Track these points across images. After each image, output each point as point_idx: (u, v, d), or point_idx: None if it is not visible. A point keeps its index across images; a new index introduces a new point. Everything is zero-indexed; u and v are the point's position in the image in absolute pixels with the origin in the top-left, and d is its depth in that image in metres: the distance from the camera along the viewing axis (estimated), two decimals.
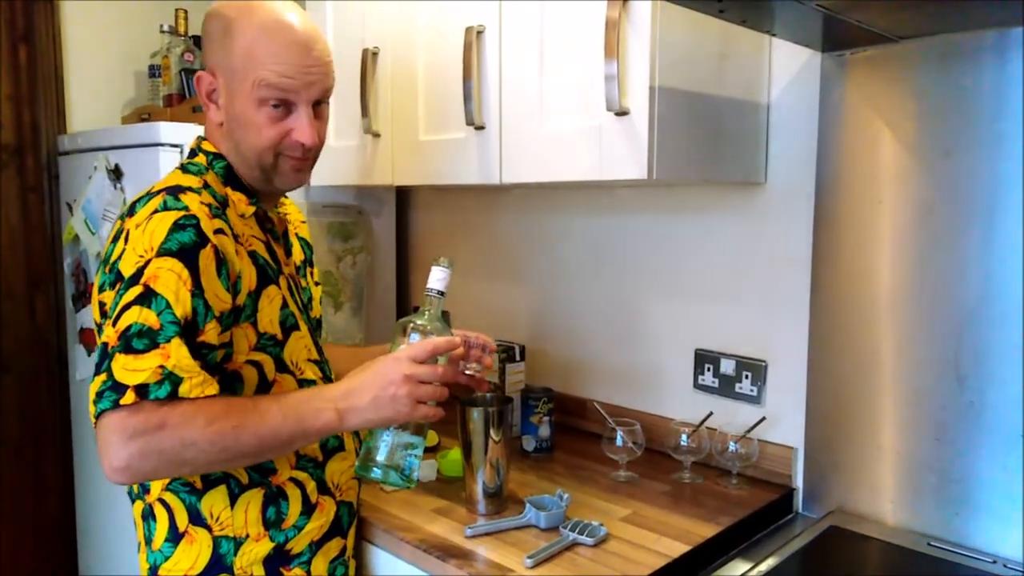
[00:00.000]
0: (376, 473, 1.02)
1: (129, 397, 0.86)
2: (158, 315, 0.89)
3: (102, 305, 0.99)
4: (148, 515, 1.04)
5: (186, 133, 1.59)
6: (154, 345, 0.88)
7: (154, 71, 2.01)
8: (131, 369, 0.87)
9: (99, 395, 0.87)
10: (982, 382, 1.16)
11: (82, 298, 1.91)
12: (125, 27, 2.09)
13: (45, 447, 2.03)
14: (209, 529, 1.02)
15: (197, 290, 0.92)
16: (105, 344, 0.90)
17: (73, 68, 2.03)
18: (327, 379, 1.15)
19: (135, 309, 0.89)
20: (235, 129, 1.06)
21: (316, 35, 1.07)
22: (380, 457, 1.02)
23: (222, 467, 0.97)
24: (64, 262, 1.98)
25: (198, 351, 0.91)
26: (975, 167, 1.16)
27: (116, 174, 1.70)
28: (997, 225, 1.14)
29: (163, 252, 0.92)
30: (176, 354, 0.89)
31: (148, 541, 1.04)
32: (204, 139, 1.12)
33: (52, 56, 1.98)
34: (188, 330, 0.91)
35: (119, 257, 0.95)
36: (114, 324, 0.90)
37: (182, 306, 0.90)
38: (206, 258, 0.94)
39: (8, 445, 1.98)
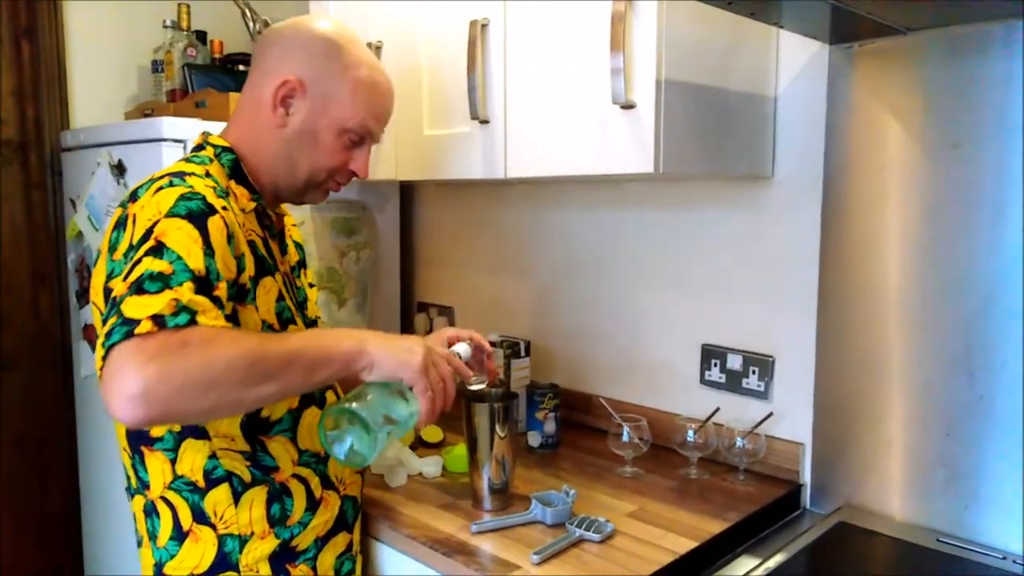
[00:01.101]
0: (351, 407, 0.94)
1: (145, 326, 0.78)
2: (171, 263, 0.86)
3: (108, 292, 0.95)
4: (151, 511, 1.03)
5: (189, 128, 1.58)
6: (167, 287, 0.83)
7: (157, 66, 2.00)
8: (143, 305, 0.80)
9: (108, 335, 0.79)
10: (992, 376, 1.15)
11: (86, 294, 1.91)
12: (128, 22, 2.09)
13: (50, 444, 2.03)
14: (213, 528, 1.01)
15: (208, 250, 0.89)
16: (114, 298, 0.84)
17: (76, 64, 2.02)
18: None
19: (147, 259, 0.86)
20: (301, 141, 1.09)
21: None
22: (356, 409, 0.94)
23: (252, 394, 0.85)
24: (68, 258, 1.98)
25: (212, 302, 0.87)
26: (983, 160, 1.15)
27: (119, 170, 1.69)
28: (1006, 218, 1.13)
29: (172, 214, 0.90)
30: (189, 293, 0.83)
31: (152, 537, 1.04)
32: (209, 134, 1.12)
33: (55, 52, 1.97)
34: (201, 282, 0.87)
35: (130, 238, 0.93)
36: (125, 278, 0.85)
37: (195, 261, 0.87)
38: (215, 225, 0.92)
39: (13, 442, 1.98)
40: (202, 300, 0.84)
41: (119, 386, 0.76)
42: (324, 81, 1.09)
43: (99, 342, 0.81)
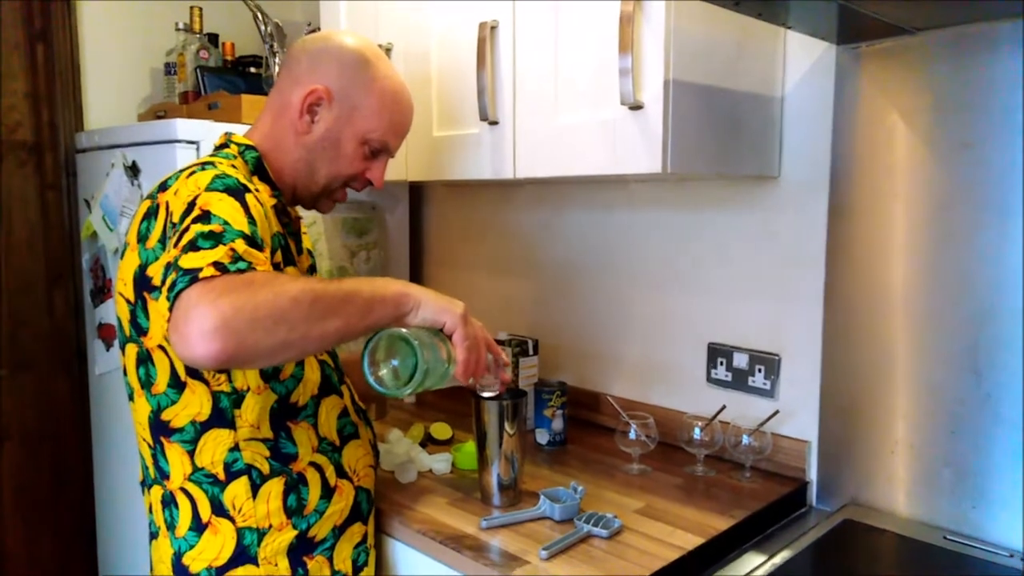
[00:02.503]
0: (403, 333, 0.95)
1: (208, 271, 0.81)
2: (221, 225, 0.88)
3: (145, 280, 0.99)
4: (169, 502, 1.05)
5: (202, 130, 1.60)
6: (220, 243, 0.86)
7: (170, 68, 2.02)
8: (201, 256, 0.83)
9: (171, 287, 0.82)
10: (1000, 375, 1.16)
11: (100, 294, 1.93)
12: (141, 25, 2.11)
13: (64, 442, 2.06)
14: (232, 520, 1.03)
15: (251, 219, 0.93)
16: (167, 263, 0.87)
17: (90, 66, 2.05)
18: (338, 369, 1.17)
19: (195, 226, 0.88)
20: (323, 148, 1.13)
21: None
22: (406, 335, 0.96)
23: (318, 328, 0.86)
24: (82, 258, 2.00)
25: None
26: (992, 160, 1.15)
27: (133, 171, 1.72)
28: (1014, 216, 1.13)
29: (211, 189, 0.94)
30: (244, 246, 0.86)
31: (170, 527, 1.05)
32: (232, 134, 1.15)
33: (69, 54, 2.00)
34: (250, 241, 0.89)
35: (169, 222, 0.95)
36: (176, 246, 0.87)
37: (240, 226, 0.90)
38: (252, 200, 0.96)
39: (27, 441, 2.00)
40: (256, 253, 0.87)
41: (195, 322, 0.78)
42: (351, 92, 1.13)
43: (163, 296, 0.84)
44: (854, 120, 1.30)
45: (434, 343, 0.98)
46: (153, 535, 1.10)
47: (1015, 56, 1.12)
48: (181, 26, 2.00)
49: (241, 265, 0.84)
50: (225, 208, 0.91)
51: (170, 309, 0.82)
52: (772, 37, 1.35)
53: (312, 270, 1.27)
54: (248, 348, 0.81)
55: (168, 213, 0.97)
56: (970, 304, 1.18)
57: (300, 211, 1.26)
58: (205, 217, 0.89)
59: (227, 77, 1.97)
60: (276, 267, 1.02)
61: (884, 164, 1.27)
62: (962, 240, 1.19)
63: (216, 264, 0.83)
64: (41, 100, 1.98)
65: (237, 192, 0.95)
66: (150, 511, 1.10)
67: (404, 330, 0.96)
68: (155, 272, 0.98)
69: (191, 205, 0.92)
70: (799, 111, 1.38)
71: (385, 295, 0.95)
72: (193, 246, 0.85)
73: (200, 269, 0.82)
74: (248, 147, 1.12)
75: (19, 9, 1.93)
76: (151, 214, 1.01)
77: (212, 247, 0.85)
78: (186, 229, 0.88)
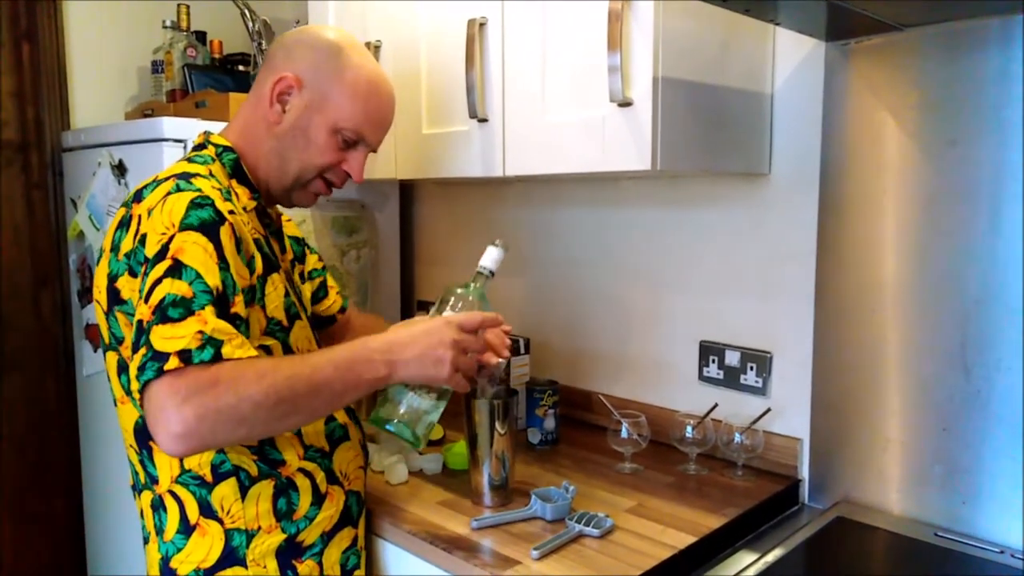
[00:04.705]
0: (390, 427, 1.05)
1: (173, 362, 0.84)
2: (190, 284, 0.89)
3: (114, 292, 0.98)
4: (158, 506, 1.04)
5: (189, 128, 1.58)
6: (189, 313, 0.87)
7: (157, 67, 2.00)
8: (169, 337, 0.86)
9: (141, 368, 0.85)
10: (989, 371, 1.16)
11: (87, 294, 1.92)
12: (128, 23, 2.09)
13: (52, 444, 2.04)
14: (220, 522, 1.02)
15: (223, 264, 0.92)
16: (140, 321, 0.89)
17: (76, 65, 2.03)
18: None
19: (166, 281, 0.89)
20: (293, 137, 1.11)
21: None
22: (400, 410, 1.05)
23: (280, 425, 0.95)
24: (69, 258, 1.98)
25: (232, 322, 0.91)
26: (980, 156, 1.15)
27: (120, 170, 1.70)
28: (1002, 213, 1.14)
29: (185, 227, 0.92)
30: (212, 319, 0.88)
31: (159, 531, 1.04)
32: (210, 133, 1.13)
33: (55, 53, 1.98)
34: (220, 301, 0.90)
35: (137, 243, 0.95)
36: (146, 300, 0.89)
37: (212, 277, 0.90)
38: (226, 234, 0.94)
39: (15, 442, 1.98)
40: (224, 327, 0.88)
41: (164, 426, 0.84)
42: (322, 80, 1.10)
43: (132, 374, 0.87)
44: (844, 117, 1.30)
45: (422, 391, 1.06)
46: (145, 539, 1.09)
47: (1002, 53, 1.12)
48: (168, 24, 1.98)
49: (206, 356, 0.85)
50: (198, 255, 0.90)
51: (140, 391, 0.86)
52: (761, 34, 1.35)
53: (299, 260, 1.25)
54: (210, 445, 0.90)
55: (140, 235, 0.95)
56: (959, 300, 1.18)
57: (287, 211, 1.25)
58: (176, 269, 0.89)
59: (215, 75, 1.95)
60: (252, 288, 0.99)
61: (873, 161, 1.26)
62: (951, 236, 1.19)
63: (182, 354, 0.85)
64: (27, 99, 1.96)
65: (212, 227, 0.93)
66: (141, 516, 1.09)
67: (391, 427, 1.05)
68: (123, 287, 0.97)
69: (164, 249, 0.91)
70: (789, 108, 1.37)
71: (361, 383, 0.96)
72: (164, 315, 0.87)
73: (167, 358, 0.84)
74: (226, 149, 1.10)
75: (4, 8, 1.91)
76: (124, 224, 0.99)
77: (181, 318, 0.87)
78: (157, 281, 0.89)
